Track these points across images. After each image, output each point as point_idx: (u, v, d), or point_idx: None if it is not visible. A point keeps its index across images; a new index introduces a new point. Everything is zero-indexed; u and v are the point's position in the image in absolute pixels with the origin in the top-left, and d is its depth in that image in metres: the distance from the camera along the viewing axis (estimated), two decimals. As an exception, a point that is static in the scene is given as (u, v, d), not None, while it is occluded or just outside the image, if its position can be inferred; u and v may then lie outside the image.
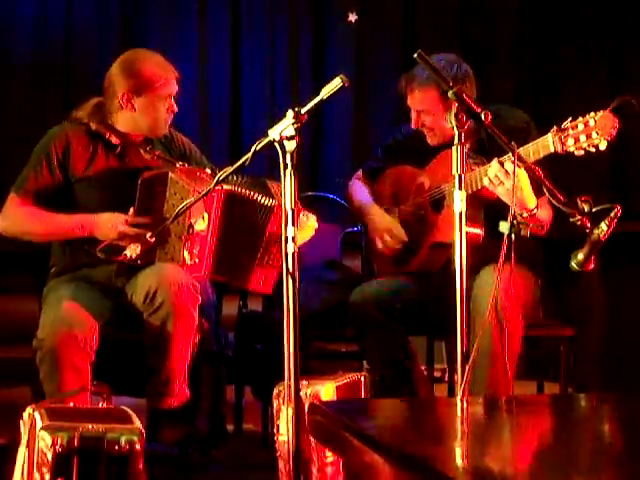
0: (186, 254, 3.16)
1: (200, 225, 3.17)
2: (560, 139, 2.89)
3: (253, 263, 3.26)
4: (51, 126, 3.41)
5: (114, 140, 3.32)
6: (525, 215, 3.00)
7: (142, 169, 3.31)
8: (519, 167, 2.80)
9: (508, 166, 2.91)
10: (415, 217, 3.52)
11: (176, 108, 3.36)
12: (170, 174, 3.21)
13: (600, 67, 5.67)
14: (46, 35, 5.43)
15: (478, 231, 3.24)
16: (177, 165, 3.29)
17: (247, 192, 3.22)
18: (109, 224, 3.19)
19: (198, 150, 3.54)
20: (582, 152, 2.87)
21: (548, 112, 5.66)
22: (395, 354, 3.37)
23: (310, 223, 3.27)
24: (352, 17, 5.62)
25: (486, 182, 3.02)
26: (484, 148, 3.32)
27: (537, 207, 3.05)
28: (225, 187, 3.17)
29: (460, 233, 2.51)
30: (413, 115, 3.45)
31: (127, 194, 3.23)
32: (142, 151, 3.33)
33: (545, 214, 3.18)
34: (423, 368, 4.26)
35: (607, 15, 5.64)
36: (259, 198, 3.23)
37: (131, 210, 3.20)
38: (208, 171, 3.32)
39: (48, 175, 3.30)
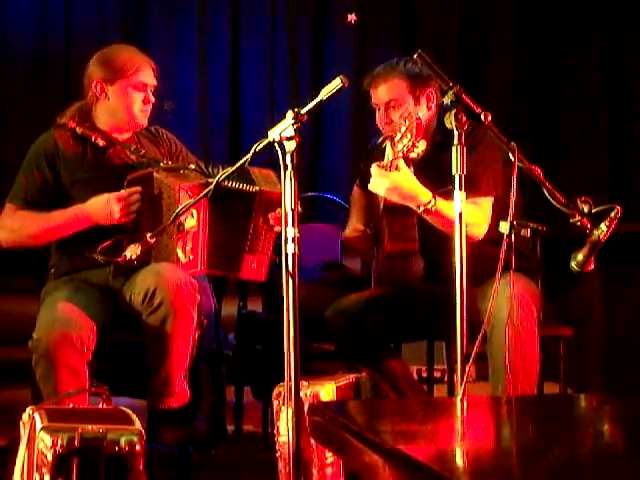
0: (180, 252, 3.17)
1: (190, 222, 3.18)
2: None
3: (243, 251, 3.26)
4: (49, 127, 3.42)
5: (100, 143, 3.34)
6: (421, 209, 3.05)
7: (132, 168, 3.32)
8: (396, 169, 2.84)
9: (373, 174, 3.00)
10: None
11: (152, 99, 3.37)
12: (155, 174, 3.22)
13: (599, 70, 5.66)
14: (46, 36, 5.43)
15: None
16: (161, 164, 3.30)
17: (231, 184, 3.22)
18: (101, 206, 3.20)
19: (184, 146, 3.55)
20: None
21: (547, 114, 5.67)
22: (374, 363, 3.36)
23: None
24: (351, 17, 5.62)
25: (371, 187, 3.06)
26: (441, 151, 3.28)
27: (433, 201, 3.05)
28: (210, 180, 3.16)
29: (460, 235, 2.51)
30: (380, 112, 3.35)
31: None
32: (128, 152, 3.35)
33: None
34: (423, 369, 4.27)
35: (608, 16, 5.63)
36: (242, 187, 3.23)
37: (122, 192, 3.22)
38: (192, 166, 3.33)
39: (41, 180, 3.32)
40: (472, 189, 3.08)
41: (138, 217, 3.22)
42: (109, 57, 3.38)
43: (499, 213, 3.09)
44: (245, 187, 3.23)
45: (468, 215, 3.11)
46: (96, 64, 3.37)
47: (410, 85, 3.30)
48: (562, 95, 5.66)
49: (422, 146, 2.97)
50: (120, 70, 3.32)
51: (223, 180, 3.14)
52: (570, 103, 5.65)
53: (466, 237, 3.12)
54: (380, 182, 3.02)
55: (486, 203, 3.08)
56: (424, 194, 3.07)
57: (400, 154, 2.95)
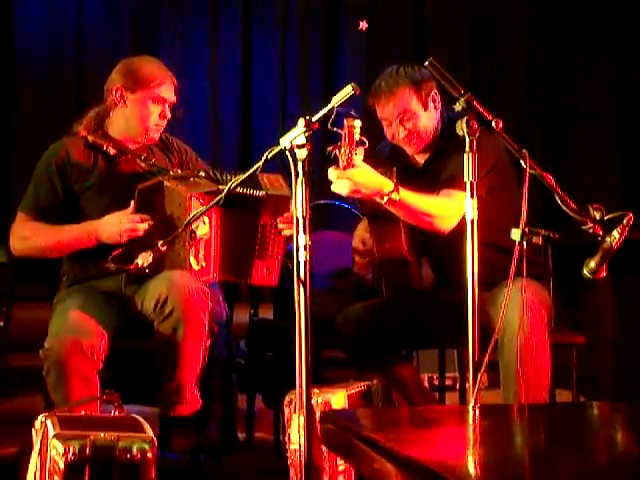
0: (192, 260, 3.17)
1: (202, 229, 3.18)
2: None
3: (252, 257, 3.26)
4: (61, 136, 3.43)
5: (111, 151, 3.35)
6: (385, 200, 3.03)
7: (142, 176, 3.33)
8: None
9: (332, 178, 2.95)
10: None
11: (169, 115, 3.38)
12: (165, 183, 3.22)
13: (609, 79, 5.65)
14: (57, 44, 5.45)
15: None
16: (171, 172, 3.31)
17: (240, 189, 3.22)
18: (113, 226, 3.20)
19: (194, 153, 3.56)
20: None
21: (558, 121, 5.67)
22: (385, 370, 3.36)
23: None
24: (363, 25, 5.63)
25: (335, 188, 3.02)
26: (442, 158, 3.30)
27: (395, 192, 3.03)
28: (220, 187, 3.16)
29: (472, 243, 2.50)
30: (393, 126, 3.31)
31: (130, 202, 3.24)
32: (138, 160, 3.36)
33: (424, 202, 3.11)
34: (435, 376, 4.26)
35: (617, 28, 5.62)
36: (249, 192, 3.23)
37: (132, 203, 3.21)
38: (202, 174, 3.33)
39: (51, 190, 3.33)
40: (451, 183, 3.10)
41: (149, 225, 3.22)
42: (134, 67, 3.39)
43: (487, 219, 3.09)
44: (252, 192, 3.23)
45: (437, 207, 3.12)
46: (120, 72, 3.38)
47: (416, 92, 3.29)
48: (573, 102, 5.65)
49: (361, 154, 2.92)
50: (143, 81, 3.33)
51: (233, 186, 3.16)
52: (581, 109, 5.64)
53: (431, 229, 3.14)
54: (341, 184, 2.98)
55: (460, 198, 2.99)
56: (386, 184, 3.05)
57: (344, 164, 2.92)
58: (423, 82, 3.29)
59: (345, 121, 2.81)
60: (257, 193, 3.23)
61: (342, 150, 2.89)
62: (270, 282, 3.32)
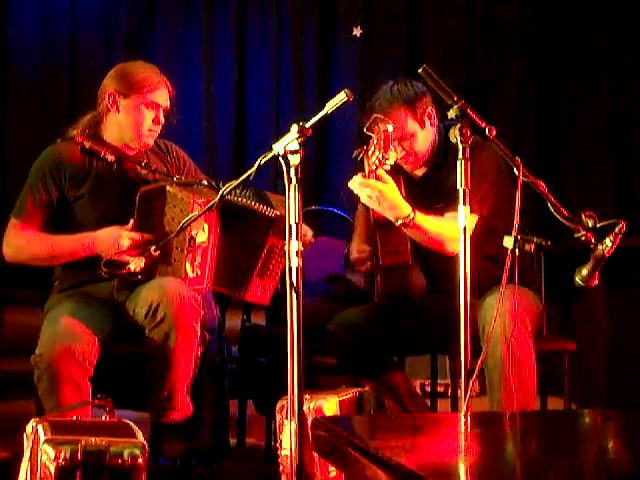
0: (188, 267, 3.15)
1: (201, 237, 3.16)
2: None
3: (252, 274, 3.25)
4: (55, 137, 3.42)
5: (110, 158, 3.32)
6: (400, 222, 3.09)
7: (139, 183, 3.31)
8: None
9: (355, 182, 3.04)
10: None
11: (163, 120, 3.35)
12: (167, 187, 3.20)
13: (602, 95, 5.65)
14: (50, 45, 5.44)
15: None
16: (174, 178, 3.29)
17: (247, 203, 3.22)
18: (110, 240, 3.18)
19: (193, 163, 3.54)
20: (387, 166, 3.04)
21: (551, 131, 5.67)
22: (377, 376, 3.36)
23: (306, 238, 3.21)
24: (357, 31, 5.63)
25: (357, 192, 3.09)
26: (440, 170, 3.33)
27: (412, 215, 3.09)
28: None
29: (464, 249, 2.50)
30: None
31: (126, 209, 3.23)
32: (138, 167, 3.33)
33: (436, 225, 3.15)
34: (427, 383, 4.26)
35: (613, 37, 5.63)
36: (259, 209, 3.22)
37: (131, 221, 3.20)
38: (205, 183, 3.32)
39: (46, 196, 3.30)
40: (457, 204, 3.10)
41: (148, 230, 3.20)
42: (128, 71, 3.37)
43: (487, 232, 3.12)
44: (265, 209, 3.22)
45: (448, 230, 3.13)
46: (113, 76, 3.36)
47: (411, 111, 3.32)
48: (567, 112, 5.65)
49: (393, 157, 3.03)
50: (136, 85, 3.31)
51: (241, 198, 3.17)
52: (575, 119, 5.64)
53: (443, 251, 3.15)
54: (362, 190, 3.05)
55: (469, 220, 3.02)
56: (404, 207, 3.10)
57: (374, 166, 2.99)
58: (417, 100, 3.32)
59: (379, 124, 2.85)
60: (271, 212, 3.22)
61: (372, 154, 2.93)
62: (263, 301, 3.31)
